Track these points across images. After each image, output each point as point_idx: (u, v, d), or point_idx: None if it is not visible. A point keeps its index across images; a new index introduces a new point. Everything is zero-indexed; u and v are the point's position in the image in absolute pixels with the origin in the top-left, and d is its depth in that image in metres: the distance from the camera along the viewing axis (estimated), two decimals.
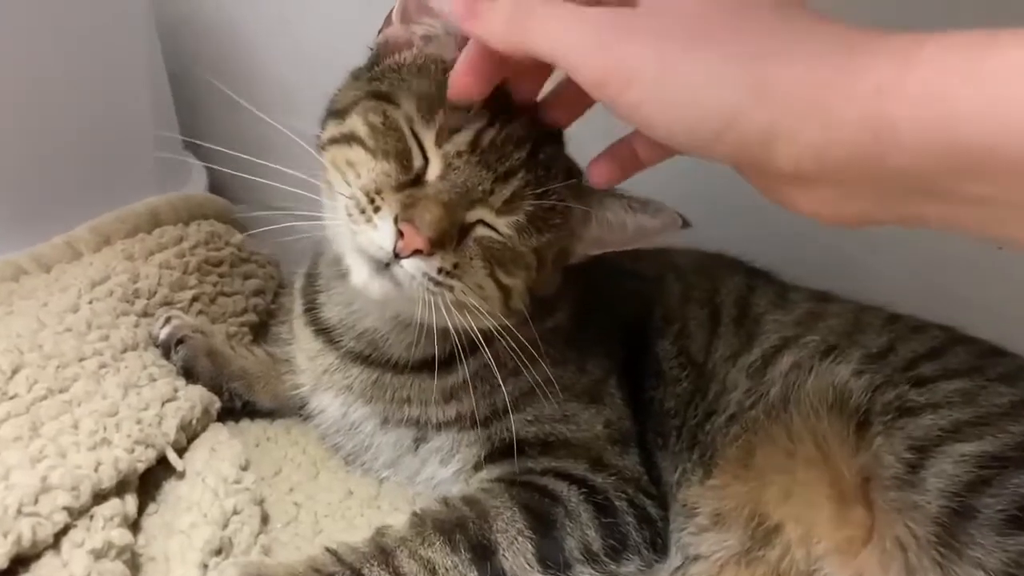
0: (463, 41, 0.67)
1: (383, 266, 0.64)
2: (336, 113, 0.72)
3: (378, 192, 0.64)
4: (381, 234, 0.63)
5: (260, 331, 1.01)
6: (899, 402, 0.72)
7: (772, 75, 0.42)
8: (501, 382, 0.70)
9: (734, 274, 0.92)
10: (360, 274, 0.66)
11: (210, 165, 1.13)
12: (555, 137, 0.71)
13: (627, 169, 0.62)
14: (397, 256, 0.63)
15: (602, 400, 0.80)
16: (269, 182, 0.71)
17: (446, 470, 0.79)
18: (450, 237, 0.64)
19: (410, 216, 0.62)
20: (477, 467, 0.77)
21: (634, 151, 0.60)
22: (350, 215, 0.65)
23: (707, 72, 0.44)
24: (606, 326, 0.84)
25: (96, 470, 0.65)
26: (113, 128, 1.03)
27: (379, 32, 0.75)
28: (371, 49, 0.76)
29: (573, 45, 0.48)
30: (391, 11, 0.73)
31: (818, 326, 0.83)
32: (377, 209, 0.64)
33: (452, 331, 0.68)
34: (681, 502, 0.78)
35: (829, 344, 0.80)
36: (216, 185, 1.17)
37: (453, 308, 0.65)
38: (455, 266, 0.65)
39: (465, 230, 0.66)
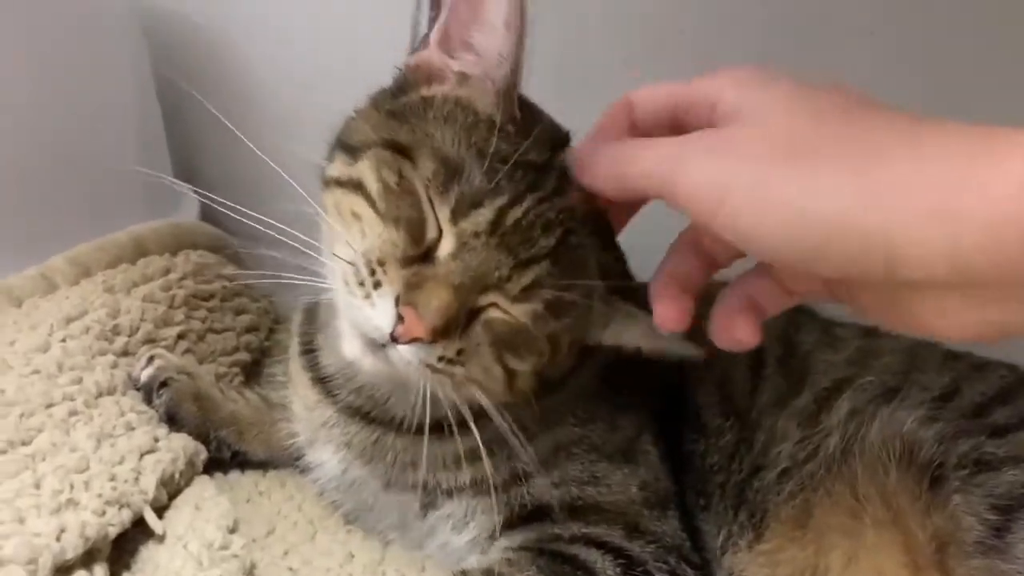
0: (503, 93, 0.59)
1: (378, 345, 0.57)
2: (347, 148, 0.63)
3: (381, 263, 0.57)
4: (379, 314, 0.56)
5: (252, 371, 0.92)
6: (976, 454, 0.65)
7: (882, 177, 0.40)
8: (521, 444, 0.62)
9: None
10: (352, 347, 0.60)
11: (202, 191, 1.05)
12: (594, 223, 0.61)
13: (691, 299, 0.56)
14: (395, 340, 0.55)
15: (635, 459, 0.71)
16: (262, 226, 0.63)
17: (459, 538, 0.70)
18: (456, 324, 0.56)
19: (414, 300, 0.54)
20: (494, 535, 0.68)
21: (685, 284, 0.55)
22: (347, 284, 0.57)
23: (805, 179, 0.42)
24: (639, 376, 0.75)
25: (59, 538, 0.56)
26: (95, 151, 0.96)
27: (411, 52, 0.65)
28: (399, 70, 0.65)
29: (665, 170, 0.48)
30: (428, 32, 0.63)
31: (873, 365, 0.75)
32: (378, 284, 0.56)
33: (455, 402, 0.61)
34: (727, 570, 0.70)
35: (888, 386, 0.72)
36: (209, 214, 1.09)
37: (451, 389, 0.59)
38: (459, 352, 0.57)
39: (474, 313, 0.58)
